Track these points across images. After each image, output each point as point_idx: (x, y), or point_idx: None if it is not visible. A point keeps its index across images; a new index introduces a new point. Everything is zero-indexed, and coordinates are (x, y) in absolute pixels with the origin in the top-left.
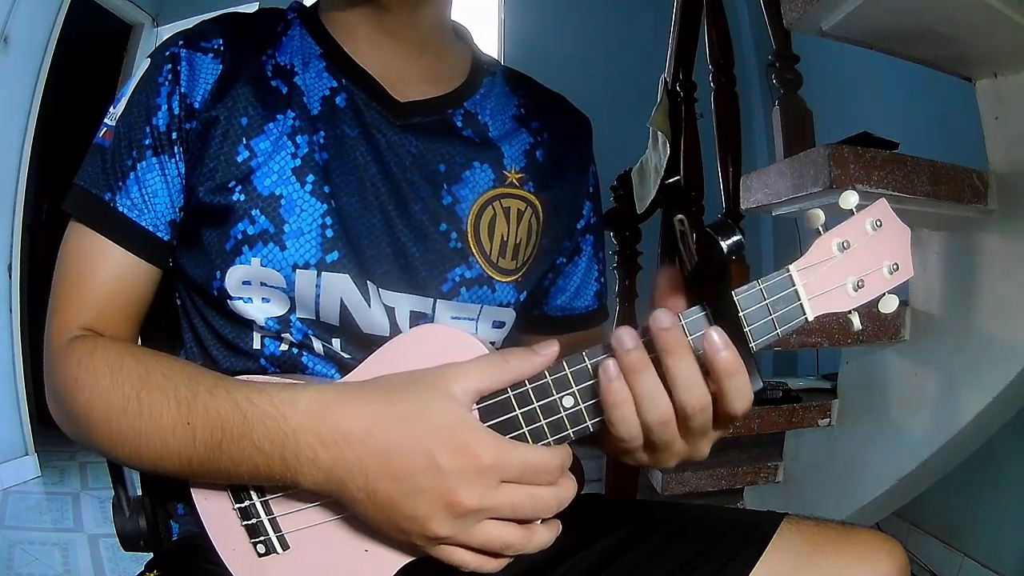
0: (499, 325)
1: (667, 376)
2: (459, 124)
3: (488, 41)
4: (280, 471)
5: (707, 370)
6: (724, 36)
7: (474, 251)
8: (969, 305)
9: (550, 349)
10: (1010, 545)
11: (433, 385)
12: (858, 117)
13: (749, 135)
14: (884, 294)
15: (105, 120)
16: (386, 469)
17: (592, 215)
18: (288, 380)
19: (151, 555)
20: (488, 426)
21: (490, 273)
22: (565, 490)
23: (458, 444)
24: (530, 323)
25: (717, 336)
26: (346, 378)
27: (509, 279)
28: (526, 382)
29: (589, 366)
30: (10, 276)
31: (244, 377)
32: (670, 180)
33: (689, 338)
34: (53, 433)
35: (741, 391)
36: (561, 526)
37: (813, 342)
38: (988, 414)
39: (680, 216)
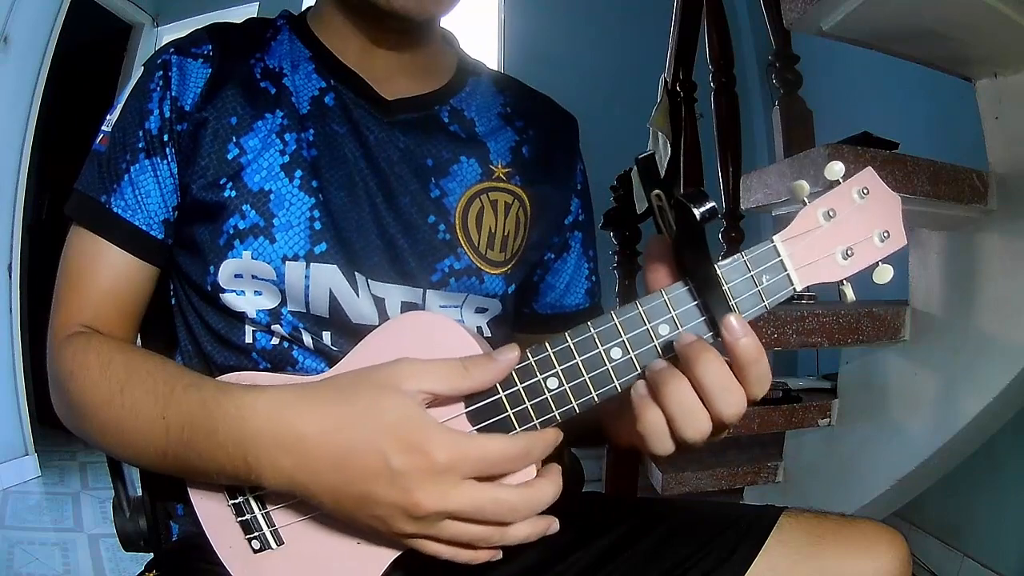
0: (482, 311)
1: (698, 388)
2: (445, 120)
3: (488, 42)
4: (244, 473)
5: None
6: (724, 36)
7: (463, 243)
8: (969, 305)
9: (509, 355)
10: (1010, 545)
11: (386, 381)
12: (858, 117)
13: (749, 135)
14: (877, 264)
15: (102, 127)
16: (343, 473)
17: (580, 212)
18: (277, 377)
19: (151, 555)
20: (472, 410)
21: (479, 264)
22: (539, 492)
23: (410, 443)
24: (521, 321)
25: (736, 323)
26: (334, 367)
27: (498, 271)
28: None
29: (572, 345)
30: (10, 276)
31: (228, 376)
32: (642, 155)
33: (673, 313)
34: (53, 433)
35: (763, 377)
36: (556, 523)
37: (813, 342)
38: (988, 414)
39: (657, 191)
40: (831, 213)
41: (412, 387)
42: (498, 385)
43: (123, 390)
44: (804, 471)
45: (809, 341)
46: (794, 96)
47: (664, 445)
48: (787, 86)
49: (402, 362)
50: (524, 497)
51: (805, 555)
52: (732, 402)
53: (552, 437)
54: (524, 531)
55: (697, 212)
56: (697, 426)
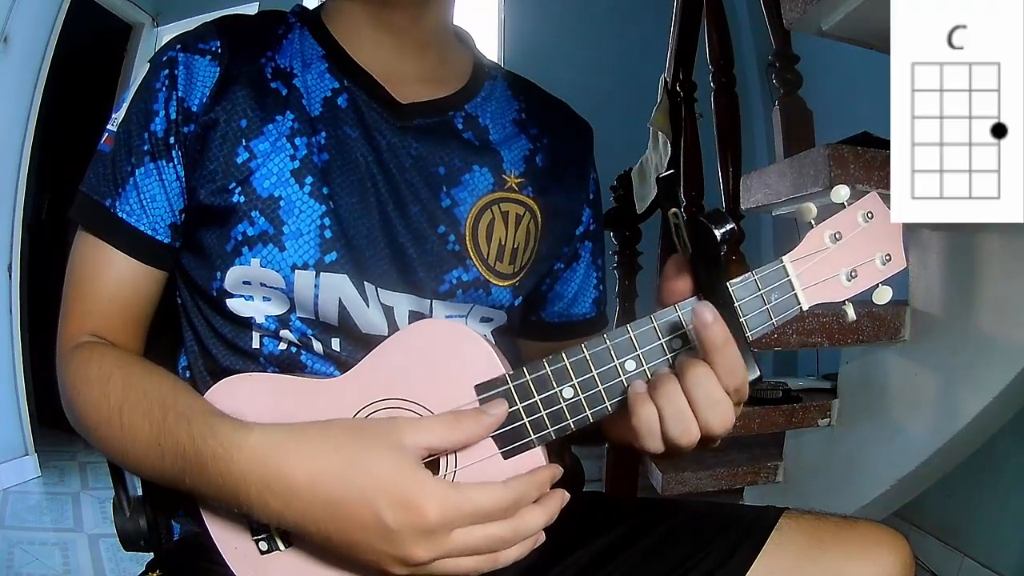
0: (487, 321)
1: (688, 398)
2: (459, 127)
3: (488, 41)
4: (236, 506)
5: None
6: (724, 36)
7: (472, 254)
8: (969, 305)
9: (499, 409)
10: (1010, 545)
11: (382, 434)
12: (858, 117)
13: (749, 135)
14: (878, 285)
15: (108, 126)
16: (334, 521)
17: (592, 222)
18: (285, 378)
19: (152, 555)
20: None
21: (487, 277)
22: (529, 522)
23: (402, 499)
24: (528, 329)
25: (707, 312)
26: (350, 373)
27: (506, 283)
28: (525, 373)
29: (588, 357)
30: (10, 276)
31: (233, 379)
32: (664, 174)
33: (687, 328)
34: (53, 433)
35: (733, 368)
36: (543, 535)
37: (813, 342)
38: (988, 414)
39: (675, 210)
40: (837, 235)
41: (411, 443)
42: (515, 395)
43: (121, 410)
44: (804, 471)
45: (809, 341)
46: (794, 96)
47: (655, 443)
48: (787, 86)
49: (398, 420)
50: (514, 528)
51: (805, 558)
52: (719, 412)
53: (547, 476)
54: (514, 554)
55: (718, 233)
56: (685, 428)
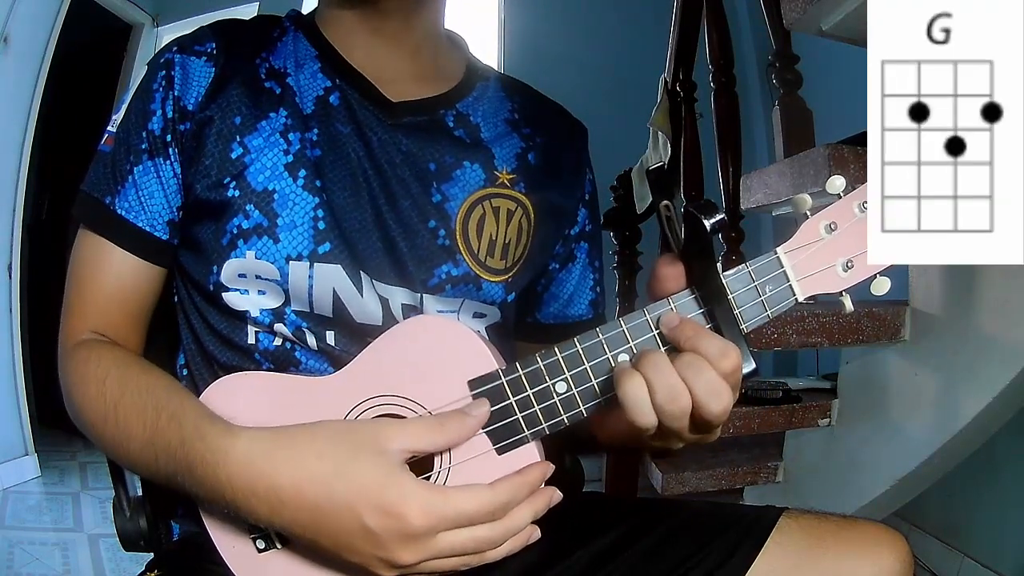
0: (480, 316)
1: (688, 385)
2: (451, 124)
3: (488, 41)
4: (225, 508)
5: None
6: (724, 36)
7: (462, 249)
8: (969, 305)
9: (481, 409)
10: (1010, 545)
11: (366, 440)
12: (858, 117)
13: (749, 135)
14: (876, 276)
15: (108, 127)
16: (319, 527)
17: (588, 222)
18: (282, 377)
19: (152, 555)
20: None
21: (477, 272)
22: (515, 520)
23: (385, 506)
24: (524, 331)
25: (672, 317)
26: (344, 370)
27: (498, 279)
28: (518, 368)
29: (580, 351)
30: (10, 276)
31: (228, 378)
32: (653, 166)
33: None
34: (53, 433)
35: (718, 353)
36: (538, 530)
37: (813, 342)
38: (988, 414)
39: (666, 202)
40: (832, 226)
41: (395, 447)
42: (508, 389)
43: (116, 408)
44: (804, 471)
45: (809, 341)
46: (794, 96)
47: (645, 416)
48: (787, 86)
49: (386, 424)
50: (500, 530)
51: (805, 557)
52: (717, 396)
53: (537, 476)
54: (503, 551)
55: (707, 223)
56: (673, 391)
